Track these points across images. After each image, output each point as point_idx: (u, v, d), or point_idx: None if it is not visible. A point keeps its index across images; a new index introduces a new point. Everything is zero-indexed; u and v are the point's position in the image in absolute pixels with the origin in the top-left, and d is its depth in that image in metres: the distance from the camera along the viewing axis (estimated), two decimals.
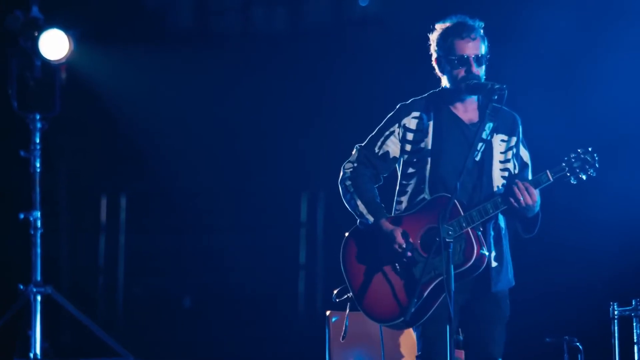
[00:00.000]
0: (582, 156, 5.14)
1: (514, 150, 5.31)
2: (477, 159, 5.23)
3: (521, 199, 5.08)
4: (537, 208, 5.17)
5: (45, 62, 8.67)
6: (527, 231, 5.29)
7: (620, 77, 7.78)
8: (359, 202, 5.28)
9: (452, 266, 4.88)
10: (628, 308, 6.25)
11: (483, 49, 5.22)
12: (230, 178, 9.48)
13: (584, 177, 5.14)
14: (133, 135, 9.53)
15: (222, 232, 9.64)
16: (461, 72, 5.21)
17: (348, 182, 5.34)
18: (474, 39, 5.20)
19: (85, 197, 9.82)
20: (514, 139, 5.31)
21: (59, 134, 9.27)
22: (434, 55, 5.32)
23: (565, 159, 5.15)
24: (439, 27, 5.29)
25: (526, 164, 5.35)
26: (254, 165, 9.44)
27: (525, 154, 5.36)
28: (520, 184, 5.08)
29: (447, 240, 4.92)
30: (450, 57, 5.22)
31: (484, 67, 5.24)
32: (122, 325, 9.62)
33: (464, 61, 5.20)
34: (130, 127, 9.51)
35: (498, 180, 5.25)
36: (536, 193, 5.11)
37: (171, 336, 9.45)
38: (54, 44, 8.63)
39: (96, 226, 9.84)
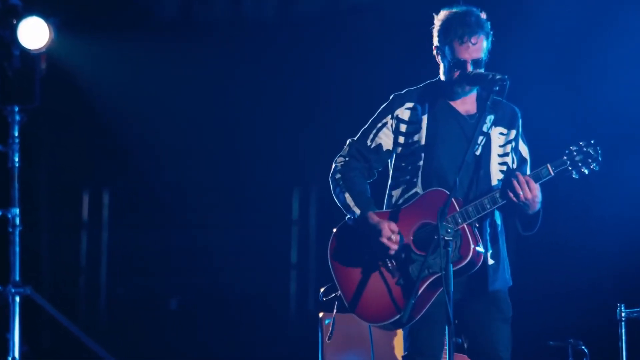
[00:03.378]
0: (585, 149, 5.10)
1: (513, 144, 5.28)
2: (477, 153, 5.20)
3: (520, 193, 5.03)
4: (539, 206, 5.12)
5: (25, 52, 8.60)
6: (526, 229, 5.24)
7: (626, 69, 7.79)
8: (347, 195, 5.26)
9: (451, 266, 4.82)
10: (636, 310, 6.25)
11: (482, 53, 5.18)
12: (218, 173, 9.48)
13: (587, 172, 5.10)
14: (117, 128, 9.50)
15: (210, 229, 9.64)
16: (455, 74, 5.19)
17: (338, 176, 5.32)
18: (474, 44, 5.16)
19: (66, 193, 9.78)
20: (513, 132, 5.28)
21: (39, 127, 9.26)
22: (435, 42, 5.27)
23: (567, 152, 5.11)
24: (445, 14, 5.24)
25: (525, 160, 5.32)
26: (244, 160, 9.44)
27: (524, 149, 5.33)
28: (520, 177, 5.04)
29: (446, 239, 4.84)
30: (447, 57, 5.19)
31: (482, 69, 5.19)
32: (105, 328, 9.59)
33: (460, 64, 5.17)
34: (114, 120, 9.48)
35: (496, 175, 5.22)
36: (537, 188, 5.07)
37: (157, 339, 9.42)
38: (34, 33, 8.55)
39: (78, 223, 9.81)
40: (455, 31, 5.15)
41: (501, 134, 5.24)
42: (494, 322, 5.22)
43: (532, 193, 5.03)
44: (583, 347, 6.67)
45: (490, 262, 5.15)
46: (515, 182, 5.02)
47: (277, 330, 9.28)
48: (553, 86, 7.91)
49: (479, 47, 5.15)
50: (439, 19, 5.24)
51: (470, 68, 5.14)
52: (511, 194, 5.03)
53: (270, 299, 9.43)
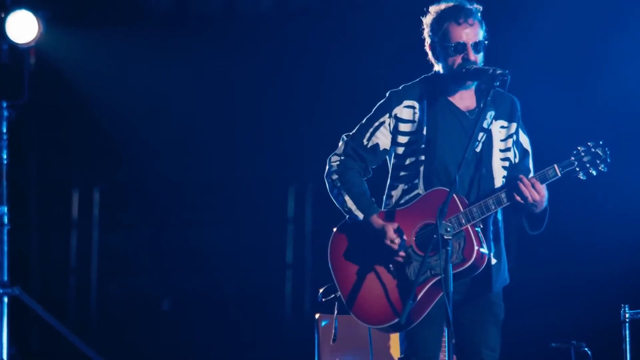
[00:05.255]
0: (593, 150, 5.06)
1: (514, 137, 5.24)
2: (477, 150, 5.16)
3: (528, 196, 5.00)
4: (546, 203, 5.09)
5: (13, 46, 8.59)
6: (534, 228, 5.21)
7: (634, 66, 7.73)
8: (347, 198, 5.22)
9: (450, 265, 4.80)
10: None
11: (481, 34, 5.16)
12: (212, 171, 9.47)
13: (594, 173, 5.06)
14: (108, 125, 9.51)
15: (204, 228, 9.65)
16: (457, 60, 5.15)
17: (335, 177, 5.27)
18: (471, 25, 5.13)
19: (56, 191, 9.80)
20: (514, 126, 5.25)
21: (28, 124, 9.30)
22: (428, 41, 5.25)
23: (574, 152, 5.07)
24: (433, 10, 5.23)
25: (527, 152, 5.29)
26: (238, 158, 9.43)
27: (525, 140, 5.29)
28: (525, 180, 5.01)
29: (445, 237, 4.81)
30: (445, 43, 5.16)
31: (482, 53, 5.17)
32: (96, 329, 9.61)
33: (461, 48, 5.13)
34: (105, 116, 9.50)
35: (499, 171, 5.19)
36: (543, 188, 5.04)
37: (149, 340, 9.43)
38: (22, 27, 8.54)
39: (68, 222, 9.81)
40: (450, 15, 5.14)
41: (502, 127, 5.21)
42: (484, 324, 5.20)
43: (539, 194, 5.00)
44: (586, 349, 6.66)
45: (494, 261, 5.13)
46: (521, 185, 4.99)
47: (273, 331, 9.27)
48: (559, 84, 7.90)
49: (476, 29, 5.13)
50: (429, 15, 5.22)
51: (472, 52, 5.10)
52: (518, 197, 5.00)
53: (265, 299, 9.42)
